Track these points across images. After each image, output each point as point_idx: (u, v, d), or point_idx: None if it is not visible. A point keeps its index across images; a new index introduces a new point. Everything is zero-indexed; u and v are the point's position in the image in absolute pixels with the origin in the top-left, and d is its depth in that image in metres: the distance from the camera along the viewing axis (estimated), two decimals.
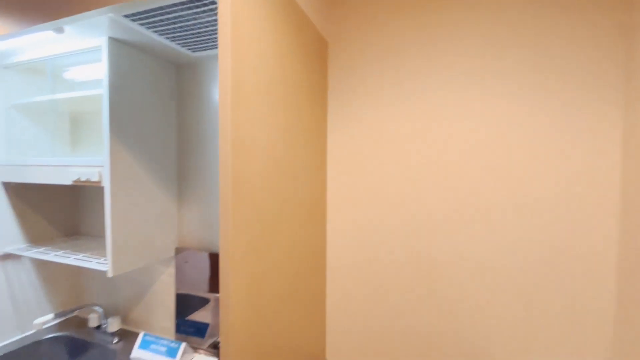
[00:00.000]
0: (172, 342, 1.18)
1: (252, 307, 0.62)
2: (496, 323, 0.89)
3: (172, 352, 1.15)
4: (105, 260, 1.06)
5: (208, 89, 1.20)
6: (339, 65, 1.14)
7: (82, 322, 1.45)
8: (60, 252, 1.18)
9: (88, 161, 1.03)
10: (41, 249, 1.23)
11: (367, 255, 1.02)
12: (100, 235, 1.46)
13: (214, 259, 1.18)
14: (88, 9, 0.79)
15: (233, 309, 0.57)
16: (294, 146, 0.86)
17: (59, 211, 1.44)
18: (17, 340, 1.30)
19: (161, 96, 1.17)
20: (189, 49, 1.08)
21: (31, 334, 1.34)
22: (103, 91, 0.99)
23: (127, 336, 1.34)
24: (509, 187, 0.91)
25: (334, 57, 1.17)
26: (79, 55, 1.14)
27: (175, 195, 1.25)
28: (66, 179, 1.07)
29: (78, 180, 1.04)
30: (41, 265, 1.39)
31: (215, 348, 1.19)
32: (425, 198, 0.94)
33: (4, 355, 1.21)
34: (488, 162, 0.94)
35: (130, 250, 1.05)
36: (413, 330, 0.97)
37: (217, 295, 1.18)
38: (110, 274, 0.99)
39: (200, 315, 1.22)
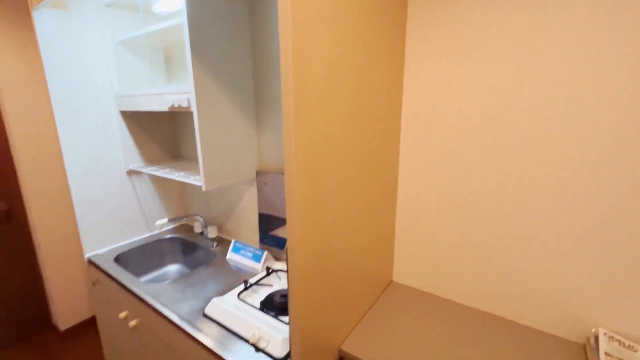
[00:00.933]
0: (256, 249, 1.37)
1: (316, 228, 0.66)
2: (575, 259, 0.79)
3: (257, 258, 1.35)
4: (199, 177, 1.23)
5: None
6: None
7: (189, 229, 1.78)
8: (167, 170, 1.40)
9: (178, 89, 1.14)
10: (154, 167, 1.48)
11: (442, 183, 0.96)
12: (196, 158, 1.68)
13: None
14: None
15: (297, 228, 0.61)
16: (363, 70, 0.79)
17: (164, 137, 1.69)
18: (146, 237, 1.67)
19: (236, 23, 1.17)
20: None
21: (155, 234, 1.71)
22: (182, 20, 1.04)
23: (222, 242, 1.60)
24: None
25: None
26: None
27: (254, 121, 1.33)
28: (163, 106, 1.22)
29: (172, 107, 1.18)
30: (156, 181, 1.70)
31: None
32: (510, 134, 0.81)
33: (141, 245, 1.58)
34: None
35: (218, 170, 1.20)
36: (482, 264, 0.93)
37: None
38: (204, 189, 1.16)
39: (279, 231, 1.37)
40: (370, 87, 0.79)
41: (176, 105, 1.15)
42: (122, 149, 1.53)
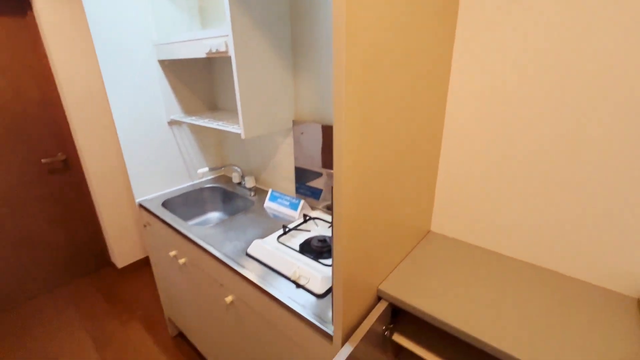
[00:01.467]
0: (293, 198, 1.40)
1: (362, 175, 0.65)
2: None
3: (294, 206, 1.38)
4: (238, 126, 1.25)
5: None
6: None
7: (228, 179, 1.85)
8: (206, 120, 1.43)
9: (215, 32, 1.12)
10: (193, 118, 1.52)
11: (490, 131, 0.90)
12: (233, 109, 1.69)
13: (327, 131, 1.24)
14: None
15: (345, 174, 0.61)
16: (414, 19, 0.72)
17: (202, 88, 1.70)
18: (188, 185, 1.76)
19: None
20: None
21: (197, 183, 1.80)
22: None
23: (259, 192, 1.65)
24: None
25: None
26: None
27: (291, 67, 1.29)
28: (201, 52, 1.21)
29: (210, 52, 1.16)
30: (195, 132, 1.75)
31: (328, 209, 1.37)
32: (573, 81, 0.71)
33: (184, 193, 1.68)
34: None
35: (256, 118, 1.20)
36: (529, 215, 0.89)
37: (329, 170, 1.29)
38: (243, 136, 1.17)
39: (315, 182, 1.39)
40: (420, 34, 0.72)
41: (214, 51, 1.14)
42: (163, 100, 1.57)
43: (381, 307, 0.82)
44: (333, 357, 0.79)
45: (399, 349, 1.00)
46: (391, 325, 0.87)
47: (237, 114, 1.61)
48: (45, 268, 2.25)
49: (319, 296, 0.90)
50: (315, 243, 1.11)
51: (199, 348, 1.65)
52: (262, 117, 1.22)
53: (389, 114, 0.69)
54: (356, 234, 0.69)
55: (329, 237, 1.15)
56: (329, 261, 1.03)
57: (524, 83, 0.82)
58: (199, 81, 1.68)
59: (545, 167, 0.83)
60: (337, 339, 0.75)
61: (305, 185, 1.43)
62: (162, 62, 1.52)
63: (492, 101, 0.88)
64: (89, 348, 1.83)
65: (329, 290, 0.92)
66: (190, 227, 1.31)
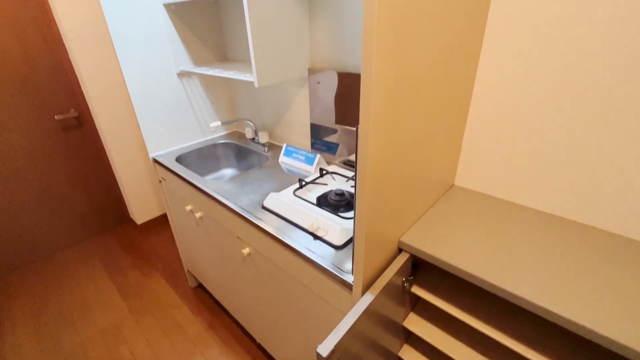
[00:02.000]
0: (309, 152, 1.35)
1: (387, 125, 0.59)
2: None
3: (309, 160, 1.34)
4: (251, 75, 1.17)
5: None
6: None
7: (240, 135, 1.80)
8: (217, 70, 1.35)
9: None
10: (203, 68, 1.44)
11: (523, 78, 0.81)
12: (244, 60, 1.60)
13: (345, 80, 1.16)
14: None
15: (371, 123, 0.55)
16: None
17: (211, 37, 1.60)
18: (201, 141, 1.73)
19: None
20: None
21: (210, 138, 1.76)
22: None
23: (273, 147, 1.61)
24: None
25: None
26: None
27: (307, 10, 1.18)
28: None
29: None
30: (206, 84, 1.68)
31: (345, 164, 1.33)
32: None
33: (198, 149, 1.65)
34: None
35: (270, 65, 1.12)
36: (566, 168, 0.82)
37: (346, 127, 1.22)
38: (256, 84, 1.10)
39: (331, 137, 1.33)
40: None
41: None
42: (172, 50, 1.49)
43: (402, 258, 0.80)
44: (352, 306, 0.78)
45: (417, 300, 1.00)
46: (411, 277, 0.86)
47: (249, 64, 1.52)
48: (69, 222, 2.33)
49: (338, 247, 0.89)
50: (332, 197, 1.08)
51: (218, 298, 1.72)
52: (276, 63, 1.14)
53: (421, 65, 0.61)
54: (380, 184, 0.64)
55: (347, 192, 1.11)
56: (347, 214, 1.01)
57: (560, 37, 0.71)
58: (208, 30, 1.58)
59: (579, 121, 0.75)
60: (357, 289, 0.74)
61: (321, 140, 1.38)
62: (168, 7, 1.42)
63: (524, 49, 0.78)
64: (115, 296, 1.94)
65: (348, 242, 0.90)
66: (205, 181, 1.29)
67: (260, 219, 1.04)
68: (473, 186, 1.03)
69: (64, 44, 1.94)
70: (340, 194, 1.08)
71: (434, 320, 0.87)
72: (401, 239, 0.81)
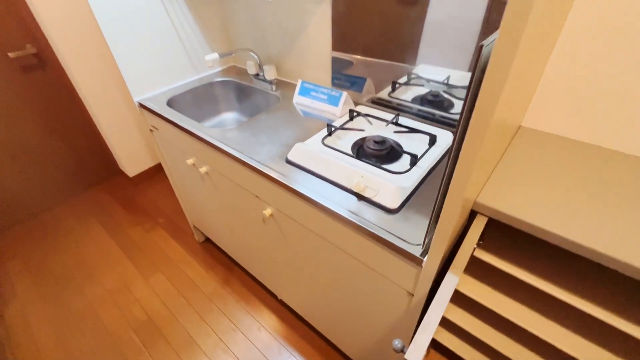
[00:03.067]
0: (332, 90, 1.11)
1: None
2: None
3: (334, 100, 1.11)
4: None
5: None
6: None
7: (241, 71, 1.51)
8: None
9: None
10: None
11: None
12: None
13: None
14: None
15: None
16: None
17: None
18: (195, 80, 1.44)
19: None
20: None
21: (205, 76, 1.47)
22: None
23: (282, 85, 1.35)
24: None
25: None
26: None
27: None
28: None
29: None
30: (194, 8, 1.34)
31: (374, 103, 1.10)
32: None
33: (192, 89, 1.38)
34: None
35: None
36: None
37: (387, 61, 0.96)
38: None
39: (357, 71, 1.08)
40: None
41: None
42: None
43: (480, 224, 0.64)
44: (421, 281, 0.65)
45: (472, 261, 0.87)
46: (480, 242, 0.71)
47: None
48: (55, 178, 2.10)
49: (392, 211, 0.72)
50: (371, 145, 0.88)
51: (232, 255, 1.61)
52: None
53: None
54: (484, 138, 0.45)
55: (390, 139, 0.91)
56: (393, 166, 0.82)
57: None
58: None
59: None
60: (432, 267, 0.59)
61: (345, 74, 1.13)
62: None
63: None
64: (119, 254, 1.82)
65: (404, 204, 0.73)
66: (208, 130, 1.06)
67: (285, 175, 0.85)
68: (544, 127, 0.84)
69: None
70: (381, 141, 0.88)
71: (487, 280, 0.75)
72: (477, 199, 0.64)
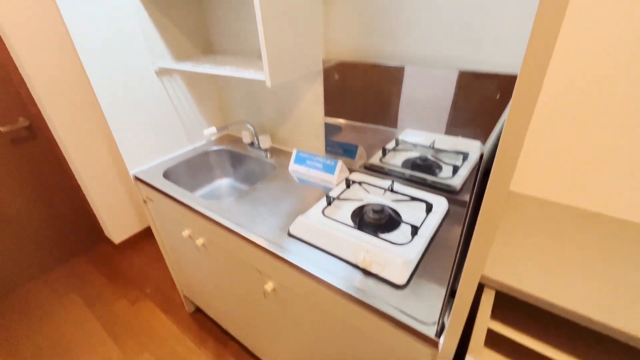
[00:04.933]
0: (327, 159, 1.16)
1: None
2: None
3: (329, 169, 1.15)
4: (259, 71, 0.95)
5: None
6: None
7: (235, 139, 1.57)
8: (208, 66, 1.11)
9: None
10: (189, 64, 1.19)
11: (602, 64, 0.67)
12: (234, 51, 1.35)
13: (372, 71, 0.97)
14: None
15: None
16: None
17: (193, 26, 1.33)
18: (190, 150, 1.48)
19: None
20: None
21: (199, 146, 1.51)
22: None
23: (277, 153, 1.40)
24: None
25: None
26: None
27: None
28: None
29: None
30: (190, 83, 1.42)
31: (367, 169, 1.15)
32: None
33: (187, 159, 1.40)
34: None
35: (283, 59, 0.90)
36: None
37: (373, 125, 1.04)
38: (268, 84, 0.89)
39: (350, 137, 1.14)
40: None
41: None
42: (146, 43, 1.21)
43: (489, 298, 0.65)
44: None
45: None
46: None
47: (244, 57, 1.28)
48: (33, 249, 2.00)
49: (399, 286, 0.72)
50: (370, 214, 0.91)
51: (226, 327, 1.52)
52: (289, 56, 0.92)
53: None
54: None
55: (387, 206, 0.94)
56: (392, 236, 0.84)
57: None
58: (187, 16, 1.31)
59: None
60: (450, 346, 0.58)
61: (337, 142, 1.19)
62: None
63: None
64: (100, 332, 1.68)
65: (411, 277, 0.74)
66: (207, 203, 1.07)
67: (288, 250, 0.85)
68: (530, 190, 0.89)
69: (4, 45, 1.58)
70: (379, 210, 0.91)
71: (498, 347, 0.73)
72: (484, 272, 0.66)
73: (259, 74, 0.92)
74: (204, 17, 1.36)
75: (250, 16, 1.21)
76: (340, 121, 1.13)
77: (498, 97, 0.80)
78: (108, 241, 2.32)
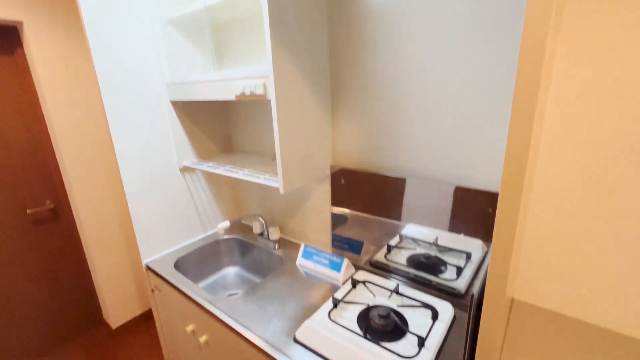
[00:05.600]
0: (334, 256, 1.20)
1: None
2: None
3: (336, 266, 1.18)
4: (274, 178, 1.06)
5: None
6: None
7: (246, 228, 1.64)
8: (227, 168, 1.24)
9: (252, 72, 0.96)
10: (211, 164, 1.32)
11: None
12: (250, 151, 1.51)
13: (379, 180, 1.07)
14: None
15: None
16: None
17: (217, 129, 1.52)
18: (202, 239, 1.54)
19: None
20: None
21: (210, 234, 1.58)
22: None
23: (285, 244, 1.45)
24: None
25: None
26: None
27: (329, 110, 1.14)
28: (230, 94, 1.04)
29: (242, 95, 1.00)
30: (208, 177, 1.55)
31: (372, 266, 1.18)
32: None
33: (198, 248, 1.46)
34: None
35: (295, 168, 1.02)
36: None
37: (377, 218, 1.11)
38: (282, 191, 0.99)
39: (356, 233, 1.20)
40: None
41: (247, 93, 0.97)
42: (175, 144, 1.38)
43: None
44: None
45: None
46: None
47: (260, 157, 1.43)
48: (26, 333, 1.93)
49: None
50: (376, 320, 0.91)
51: None
52: (301, 165, 1.04)
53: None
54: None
55: (393, 311, 0.95)
56: (398, 346, 0.83)
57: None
58: (214, 122, 1.51)
59: None
60: None
61: (344, 237, 1.24)
62: (175, 104, 1.34)
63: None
64: None
65: None
66: (214, 299, 1.09)
67: (293, 358, 0.84)
68: (539, 300, 0.90)
69: (48, 133, 1.79)
70: (386, 315, 0.92)
71: None
72: None
73: (273, 181, 1.03)
74: (227, 123, 1.56)
75: (267, 125, 1.38)
76: (346, 211, 1.20)
77: (490, 211, 0.87)
78: (104, 324, 2.24)
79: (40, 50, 1.65)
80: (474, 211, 0.90)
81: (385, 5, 0.92)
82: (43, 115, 1.77)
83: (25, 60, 1.69)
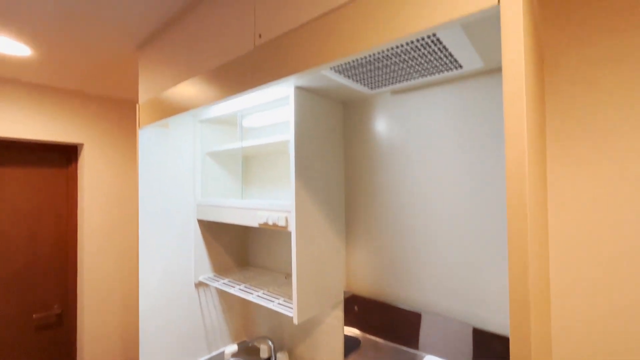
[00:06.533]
0: None
1: None
2: None
3: None
4: (288, 304, 1.07)
5: (374, 125, 1.14)
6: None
7: (254, 350, 1.55)
8: (242, 286, 1.26)
9: (275, 205, 1.07)
10: (226, 281, 1.35)
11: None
12: (266, 267, 1.55)
13: (393, 311, 1.07)
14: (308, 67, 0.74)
15: None
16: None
17: (234, 245, 1.60)
18: (207, 359, 1.45)
19: (332, 137, 1.16)
20: (369, 87, 1.04)
21: (215, 355, 1.49)
22: (290, 137, 1.02)
23: None
24: None
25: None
26: (260, 105, 1.23)
27: (344, 239, 1.21)
28: (253, 221, 1.14)
29: (265, 224, 1.09)
30: (222, 293, 1.55)
31: None
32: None
33: None
34: None
35: (310, 297, 1.04)
36: None
37: (390, 344, 1.06)
38: (296, 321, 0.98)
39: (368, 357, 1.12)
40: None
41: (270, 223, 1.07)
42: (194, 259, 1.44)
43: None
44: None
45: None
46: None
47: (274, 273, 1.46)
48: None
49: None
50: None
51: None
52: (315, 294, 1.06)
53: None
54: None
55: None
56: None
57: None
58: (232, 238, 1.59)
59: None
60: None
61: None
62: (201, 222, 1.46)
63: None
64: None
65: None
66: None
67: None
68: None
69: (76, 239, 1.91)
70: None
71: None
72: None
73: (287, 310, 1.04)
74: (245, 241, 1.64)
75: (282, 244, 1.45)
76: (358, 334, 1.14)
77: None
78: None
79: (90, 165, 1.90)
80: (496, 357, 0.86)
81: (393, 139, 1.08)
82: (76, 220, 1.92)
83: (76, 172, 1.93)
